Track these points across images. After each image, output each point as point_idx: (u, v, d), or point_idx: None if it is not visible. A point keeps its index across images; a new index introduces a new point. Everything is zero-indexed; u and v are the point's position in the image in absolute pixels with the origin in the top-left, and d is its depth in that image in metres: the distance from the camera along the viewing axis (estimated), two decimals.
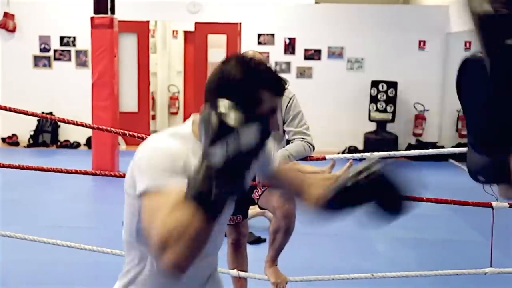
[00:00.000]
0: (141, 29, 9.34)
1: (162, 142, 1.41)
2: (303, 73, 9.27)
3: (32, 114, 3.13)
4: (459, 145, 8.23)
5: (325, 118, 8.91)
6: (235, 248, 3.17)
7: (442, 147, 8.77)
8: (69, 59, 9.28)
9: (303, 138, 3.07)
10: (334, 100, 9.21)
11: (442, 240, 4.84)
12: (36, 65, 9.32)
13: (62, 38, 9.24)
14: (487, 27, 0.96)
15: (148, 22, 9.45)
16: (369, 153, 3.07)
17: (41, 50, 9.28)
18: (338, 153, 7.58)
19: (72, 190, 6.18)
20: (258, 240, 4.48)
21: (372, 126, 9.07)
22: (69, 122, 3.06)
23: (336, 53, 9.24)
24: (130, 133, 3.09)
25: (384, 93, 8.89)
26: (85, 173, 3.28)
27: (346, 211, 1.46)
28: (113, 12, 7.01)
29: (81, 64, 9.25)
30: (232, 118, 1.14)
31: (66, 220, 5.06)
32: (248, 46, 8.72)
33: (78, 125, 3.07)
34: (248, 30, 9.24)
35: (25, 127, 9.04)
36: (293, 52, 9.25)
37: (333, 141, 8.91)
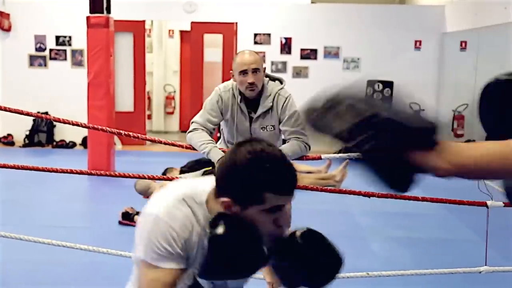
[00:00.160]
0: (137, 29, 9.32)
1: (169, 213, 1.43)
2: (299, 72, 9.28)
3: (28, 114, 3.12)
4: None
5: None
6: None
7: None
8: (65, 59, 9.26)
9: (299, 138, 3.07)
10: None
11: (437, 239, 4.85)
12: (31, 64, 9.29)
13: (57, 38, 9.22)
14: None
15: (144, 21, 9.43)
16: None
17: (36, 50, 9.26)
18: (334, 153, 7.57)
19: (67, 190, 6.16)
20: None
21: None
22: (64, 122, 3.06)
23: (332, 53, 9.26)
24: (126, 132, 3.09)
25: (380, 93, 8.91)
26: (81, 172, 3.27)
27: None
28: (109, 11, 7.00)
29: (77, 63, 9.23)
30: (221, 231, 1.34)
31: (62, 220, 5.05)
32: (244, 45, 8.72)
33: (73, 124, 3.07)
34: (244, 29, 9.25)
35: (21, 127, 9.00)
36: (289, 52, 9.26)
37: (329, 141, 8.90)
